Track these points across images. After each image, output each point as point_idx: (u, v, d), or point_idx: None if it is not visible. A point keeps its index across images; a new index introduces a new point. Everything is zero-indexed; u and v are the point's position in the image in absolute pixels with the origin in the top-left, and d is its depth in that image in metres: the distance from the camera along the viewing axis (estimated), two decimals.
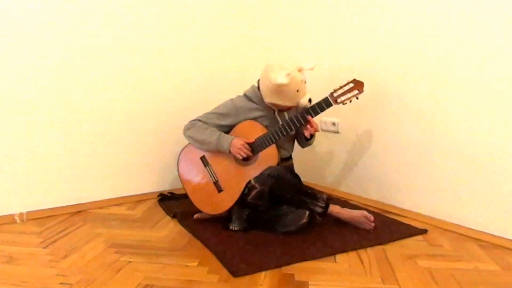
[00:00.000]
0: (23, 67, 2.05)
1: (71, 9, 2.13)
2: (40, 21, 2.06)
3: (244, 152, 1.92)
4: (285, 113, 2.02)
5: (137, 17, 2.33)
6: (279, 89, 1.87)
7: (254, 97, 2.03)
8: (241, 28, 2.71)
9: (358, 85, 1.88)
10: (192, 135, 2.02)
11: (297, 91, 1.88)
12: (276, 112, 2.01)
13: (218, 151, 1.99)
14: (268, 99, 1.96)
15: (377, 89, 2.20)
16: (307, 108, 1.91)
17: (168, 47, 2.46)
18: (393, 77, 2.15)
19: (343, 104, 1.89)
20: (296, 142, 2.18)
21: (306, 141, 2.06)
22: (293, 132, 1.97)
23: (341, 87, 1.89)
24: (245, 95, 2.07)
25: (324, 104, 1.89)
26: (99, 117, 2.28)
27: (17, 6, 2.00)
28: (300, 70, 1.89)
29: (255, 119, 2.00)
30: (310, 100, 1.91)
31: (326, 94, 1.90)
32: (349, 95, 1.88)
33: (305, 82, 1.92)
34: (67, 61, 2.16)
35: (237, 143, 1.92)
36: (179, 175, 2.10)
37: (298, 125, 1.91)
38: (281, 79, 1.81)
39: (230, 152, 1.94)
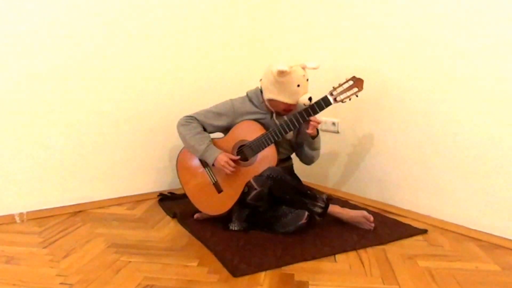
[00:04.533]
0: (23, 68, 2.05)
1: (71, 8, 2.13)
2: (39, 21, 2.06)
3: (229, 169, 1.90)
4: (284, 117, 2.01)
5: (138, 17, 2.33)
6: (279, 80, 1.86)
7: (255, 98, 2.02)
8: (242, 29, 2.71)
9: (357, 83, 1.85)
10: (184, 134, 1.98)
11: (298, 86, 1.86)
12: (274, 116, 2.00)
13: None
14: (268, 95, 1.94)
15: (378, 89, 2.20)
16: (306, 108, 1.88)
17: (169, 47, 2.46)
18: (393, 77, 2.15)
19: (343, 102, 1.88)
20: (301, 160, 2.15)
21: (312, 139, 1.99)
22: (292, 132, 1.96)
23: (340, 85, 1.86)
24: (247, 95, 2.06)
25: (324, 103, 1.86)
26: (99, 117, 2.28)
27: (16, 6, 2.00)
28: (303, 67, 1.90)
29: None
30: (310, 99, 1.86)
31: (325, 93, 1.90)
32: (348, 93, 1.85)
33: (307, 80, 1.91)
34: (67, 61, 2.15)
35: (222, 159, 1.90)
36: (178, 177, 2.09)
37: (297, 125, 1.89)
38: (282, 66, 1.83)
39: (213, 165, 1.93)
